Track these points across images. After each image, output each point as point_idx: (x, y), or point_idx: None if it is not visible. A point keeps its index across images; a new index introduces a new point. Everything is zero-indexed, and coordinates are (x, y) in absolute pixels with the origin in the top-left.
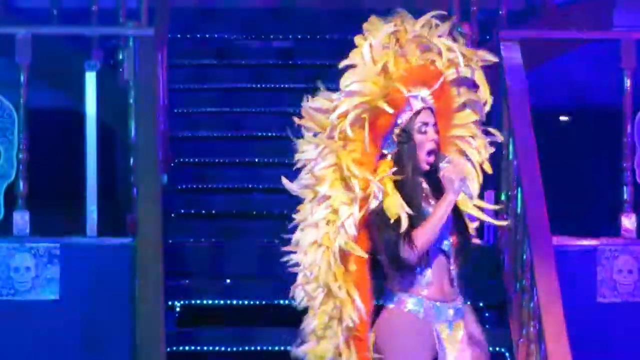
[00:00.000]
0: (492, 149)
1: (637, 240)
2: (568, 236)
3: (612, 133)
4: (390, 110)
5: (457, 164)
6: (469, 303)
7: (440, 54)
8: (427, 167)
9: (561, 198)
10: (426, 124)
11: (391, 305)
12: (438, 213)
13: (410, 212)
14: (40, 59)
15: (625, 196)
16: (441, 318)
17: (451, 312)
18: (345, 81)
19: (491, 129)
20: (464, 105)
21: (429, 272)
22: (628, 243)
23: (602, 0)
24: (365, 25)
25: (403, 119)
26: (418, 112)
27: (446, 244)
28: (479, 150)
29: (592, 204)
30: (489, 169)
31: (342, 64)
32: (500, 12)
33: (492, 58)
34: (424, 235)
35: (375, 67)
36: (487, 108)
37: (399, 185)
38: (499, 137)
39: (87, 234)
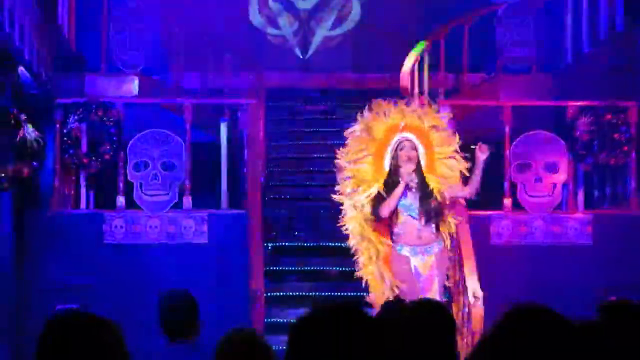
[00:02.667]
0: (466, 164)
1: (512, 212)
2: (478, 209)
3: (499, 154)
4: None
5: (409, 172)
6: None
7: (420, 117)
8: (411, 169)
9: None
10: (402, 148)
11: (393, 250)
12: (395, 193)
13: (384, 195)
14: (196, 117)
15: (506, 187)
16: (416, 254)
17: (422, 248)
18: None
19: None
20: (443, 140)
21: (402, 227)
22: (507, 213)
23: (491, 84)
24: (374, 103)
25: (393, 146)
26: (401, 142)
27: (412, 211)
28: (455, 164)
29: (489, 193)
30: (466, 173)
31: (350, 130)
32: (440, 90)
33: (445, 115)
34: (387, 204)
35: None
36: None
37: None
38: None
39: (222, 208)
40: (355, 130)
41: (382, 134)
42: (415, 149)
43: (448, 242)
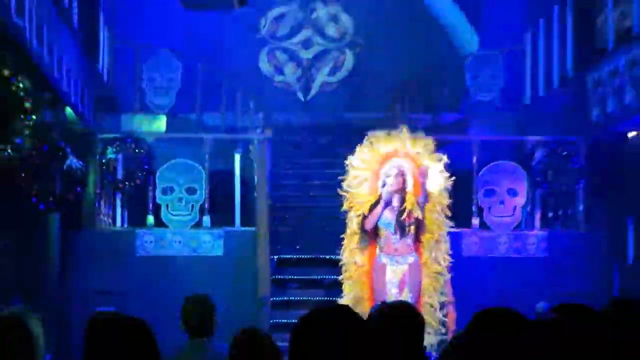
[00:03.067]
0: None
1: (479, 229)
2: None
3: (469, 181)
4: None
5: (388, 190)
6: (416, 259)
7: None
8: (395, 194)
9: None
10: (391, 174)
11: (376, 259)
12: (375, 210)
13: (366, 213)
14: (214, 149)
15: (473, 210)
16: (392, 263)
17: (397, 258)
18: (354, 159)
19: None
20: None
21: (384, 241)
22: (474, 230)
23: (462, 122)
24: (370, 134)
25: (384, 175)
26: (390, 169)
27: (390, 227)
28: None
29: (461, 213)
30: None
31: (350, 161)
32: (419, 127)
33: (428, 139)
34: (369, 219)
35: (372, 153)
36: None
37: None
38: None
39: (235, 226)
40: (352, 160)
41: (376, 162)
42: (402, 174)
43: (433, 250)
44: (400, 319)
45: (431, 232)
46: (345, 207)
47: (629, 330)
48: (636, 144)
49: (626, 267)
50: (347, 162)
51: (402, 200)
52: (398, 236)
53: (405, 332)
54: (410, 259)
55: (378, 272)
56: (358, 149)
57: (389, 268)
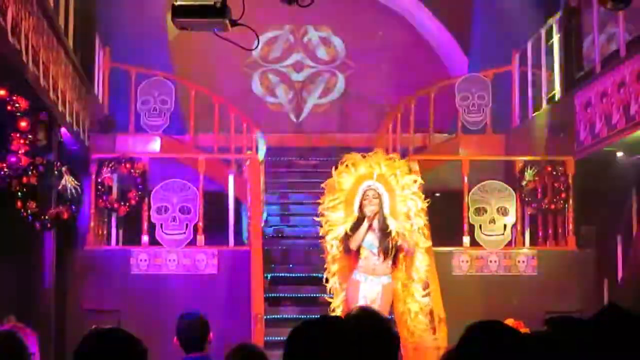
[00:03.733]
0: (424, 204)
1: (469, 247)
2: (443, 246)
3: (459, 202)
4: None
5: (373, 210)
6: (391, 280)
7: (383, 166)
8: (371, 215)
9: (443, 229)
10: (366, 198)
11: (351, 276)
12: (361, 229)
13: (349, 232)
14: (208, 169)
15: (465, 228)
16: (366, 281)
17: (372, 277)
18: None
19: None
20: (404, 185)
21: (364, 261)
22: (466, 249)
23: (453, 142)
24: (346, 156)
25: (360, 195)
26: (365, 191)
27: (373, 248)
28: (414, 204)
29: (452, 232)
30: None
31: (330, 179)
32: (409, 148)
33: (403, 162)
34: (354, 239)
35: (349, 173)
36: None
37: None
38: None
39: (229, 245)
40: (328, 183)
41: (351, 185)
42: (377, 197)
43: (410, 265)
44: (367, 320)
45: (411, 256)
46: (322, 232)
47: (620, 339)
48: (623, 164)
49: (616, 284)
50: (322, 185)
51: (383, 221)
52: (381, 258)
53: (373, 333)
54: (385, 281)
55: (351, 288)
56: (334, 171)
57: (362, 285)
